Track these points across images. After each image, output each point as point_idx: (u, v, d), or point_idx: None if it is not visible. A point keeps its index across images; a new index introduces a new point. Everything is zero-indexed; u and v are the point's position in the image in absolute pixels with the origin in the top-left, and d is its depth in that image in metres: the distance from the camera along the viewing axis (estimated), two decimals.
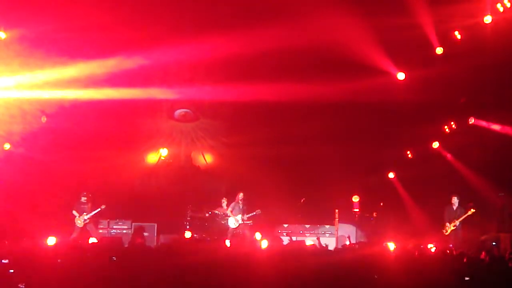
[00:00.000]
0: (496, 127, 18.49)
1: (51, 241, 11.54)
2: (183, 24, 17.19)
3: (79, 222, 16.60)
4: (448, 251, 12.89)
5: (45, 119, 17.80)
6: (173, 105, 20.57)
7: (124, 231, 18.18)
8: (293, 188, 19.54)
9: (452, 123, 19.63)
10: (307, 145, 19.39)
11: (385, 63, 18.20)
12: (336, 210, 19.28)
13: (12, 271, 8.80)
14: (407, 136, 19.42)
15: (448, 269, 9.52)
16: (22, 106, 17.31)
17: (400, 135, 19.43)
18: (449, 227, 16.63)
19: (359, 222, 19.81)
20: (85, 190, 16.88)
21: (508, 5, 16.60)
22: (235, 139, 19.95)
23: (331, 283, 8.86)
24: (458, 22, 17.45)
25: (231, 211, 17.72)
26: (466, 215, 16.51)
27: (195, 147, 21.31)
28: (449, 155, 19.87)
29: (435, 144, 20.06)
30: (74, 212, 16.65)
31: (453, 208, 16.82)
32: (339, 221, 19.30)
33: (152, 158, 20.95)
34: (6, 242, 11.81)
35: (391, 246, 13.11)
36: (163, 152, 20.86)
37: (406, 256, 11.29)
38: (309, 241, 15.10)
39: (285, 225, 18.93)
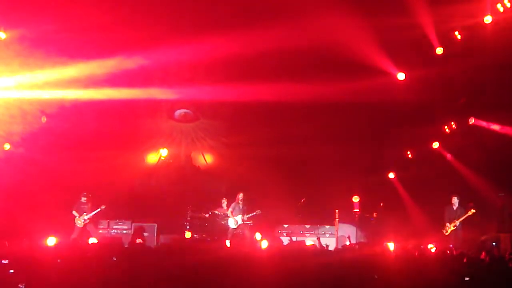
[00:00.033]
0: (496, 127, 18.49)
1: (51, 241, 11.54)
2: (183, 24, 17.17)
3: (79, 222, 16.60)
4: (448, 251, 12.91)
5: (45, 119, 17.79)
6: (173, 105, 20.56)
7: (124, 231, 18.19)
8: (293, 188, 19.54)
9: (452, 123, 19.63)
10: (307, 145, 19.39)
11: (385, 63, 18.18)
12: (336, 210, 19.29)
13: (12, 271, 8.80)
14: (407, 136, 19.41)
15: (448, 269, 9.53)
16: (22, 106, 17.30)
17: (400, 135, 19.42)
18: (449, 227, 16.63)
19: (359, 223, 19.81)
20: (85, 190, 16.89)
21: (508, 5, 16.59)
22: (235, 139, 19.95)
23: (331, 283, 8.86)
24: (458, 22, 17.43)
25: (231, 212, 17.72)
26: (466, 215, 16.52)
27: (195, 147, 21.32)
28: (449, 155, 19.88)
29: (435, 144, 20.06)
30: (74, 212, 16.66)
31: (453, 208, 16.83)
32: (339, 221, 19.31)
33: (152, 158, 20.96)
34: (6, 242, 11.79)
35: (391, 246, 13.12)
36: (163, 152, 20.87)
37: (406, 256, 11.30)
38: (309, 241, 15.13)
39: (285, 225, 18.93)
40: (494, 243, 16.58)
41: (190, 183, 20.48)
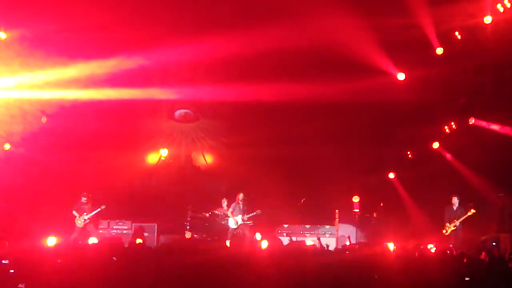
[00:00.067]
0: (496, 127, 18.49)
1: (51, 241, 11.56)
2: (183, 24, 17.19)
3: (79, 222, 16.59)
4: (448, 252, 12.90)
5: (45, 119, 17.80)
6: (173, 105, 20.57)
7: (124, 232, 18.17)
8: (293, 188, 19.54)
9: (452, 123, 19.62)
10: (307, 145, 19.38)
11: (385, 64, 18.19)
12: (336, 211, 19.27)
13: (12, 271, 8.81)
14: (407, 136, 19.40)
15: (448, 269, 9.54)
16: (22, 106, 17.31)
17: (400, 135, 19.41)
18: (449, 227, 16.62)
19: (359, 223, 19.79)
20: (85, 190, 16.86)
21: (508, 5, 16.59)
22: (235, 139, 19.95)
23: (331, 283, 8.87)
24: (458, 22, 17.45)
25: (231, 212, 17.70)
26: (466, 215, 16.51)
27: (195, 147, 21.31)
28: (449, 155, 19.86)
29: (435, 144, 20.05)
30: (74, 212, 16.65)
31: (453, 208, 16.82)
32: (339, 222, 19.29)
33: (152, 158, 20.95)
34: (7, 242, 11.80)
35: (391, 246, 13.13)
36: (163, 152, 20.86)
37: (406, 256, 11.30)
38: (309, 241, 15.14)
39: (285, 226, 18.91)
40: (494, 243, 16.58)
41: (190, 183, 20.48)
